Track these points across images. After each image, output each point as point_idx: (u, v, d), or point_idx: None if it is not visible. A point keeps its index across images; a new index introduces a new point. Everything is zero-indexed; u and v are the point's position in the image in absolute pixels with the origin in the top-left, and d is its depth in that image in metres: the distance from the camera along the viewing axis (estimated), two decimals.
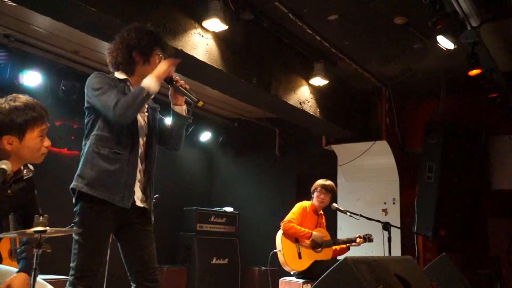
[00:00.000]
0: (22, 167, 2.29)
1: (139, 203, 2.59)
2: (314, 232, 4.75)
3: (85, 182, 2.43)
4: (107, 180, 2.44)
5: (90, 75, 2.58)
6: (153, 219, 2.70)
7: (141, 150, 2.62)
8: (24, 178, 2.31)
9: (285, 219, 4.76)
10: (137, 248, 2.62)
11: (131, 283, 2.64)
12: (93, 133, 2.52)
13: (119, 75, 2.64)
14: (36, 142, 2.20)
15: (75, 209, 2.47)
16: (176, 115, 2.80)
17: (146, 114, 2.73)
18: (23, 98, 2.21)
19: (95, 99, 2.49)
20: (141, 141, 2.63)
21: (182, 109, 2.80)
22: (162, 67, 2.55)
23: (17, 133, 2.14)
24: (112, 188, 2.45)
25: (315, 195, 4.95)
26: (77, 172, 2.48)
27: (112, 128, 2.51)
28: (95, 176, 2.44)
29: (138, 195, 2.59)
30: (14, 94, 2.22)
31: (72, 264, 2.43)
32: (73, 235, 2.44)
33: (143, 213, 2.63)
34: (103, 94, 2.45)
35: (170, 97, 2.79)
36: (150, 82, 2.47)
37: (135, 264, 2.61)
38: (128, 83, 2.64)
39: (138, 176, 2.59)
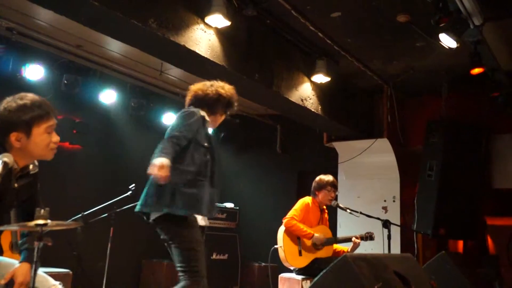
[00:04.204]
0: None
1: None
2: (316, 235, 4.68)
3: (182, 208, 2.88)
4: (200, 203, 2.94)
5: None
6: None
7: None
8: (31, 173, 2.35)
9: (287, 216, 4.71)
10: None
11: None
12: (181, 167, 2.90)
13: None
14: (43, 138, 2.24)
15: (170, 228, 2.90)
16: None
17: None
18: (30, 96, 2.25)
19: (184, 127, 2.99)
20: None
21: None
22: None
23: (24, 129, 2.19)
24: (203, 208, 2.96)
25: (323, 192, 4.84)
26: (166, 202, 2.85)
27: (196, 163, 2.96)
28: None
29: None
30: (21, 93, 2.26)
31: (193, 268, 2.83)
32: (186, 245, 2.86)
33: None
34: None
35: None
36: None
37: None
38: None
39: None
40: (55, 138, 2.29)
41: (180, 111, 3.13)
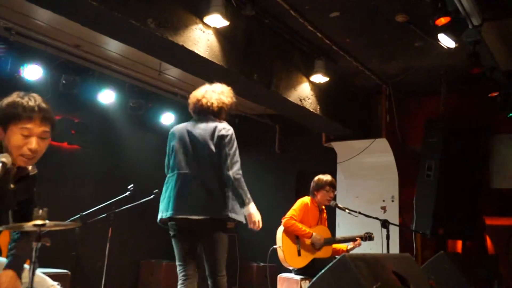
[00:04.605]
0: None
1: None
2: (314, 234, 4.68)
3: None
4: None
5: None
6: None
7: None
8: (30, 174, 2.33)
9: (286, 216, 4.72)
10: None
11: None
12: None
13: None
14: (16, 138, 2.18)
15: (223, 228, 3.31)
16: None
17: None
18: (32, 96, 2.22)
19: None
20: None
21: None
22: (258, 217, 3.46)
23: (1, 123, 2.18)
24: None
25: (322, 192, 4.82)
26: (228, 207, 3.34)
27: None
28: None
29: None
30: (33, 94, 2.24)
31: (223, 266, 3.24)
32: (225, 245, 3.29)
33: None
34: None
35: None
36: (250, 209, 3.44)
37: None
38: None
39: None
40: (31, 145, 2.18)
41: (226, 133, 3.43)
